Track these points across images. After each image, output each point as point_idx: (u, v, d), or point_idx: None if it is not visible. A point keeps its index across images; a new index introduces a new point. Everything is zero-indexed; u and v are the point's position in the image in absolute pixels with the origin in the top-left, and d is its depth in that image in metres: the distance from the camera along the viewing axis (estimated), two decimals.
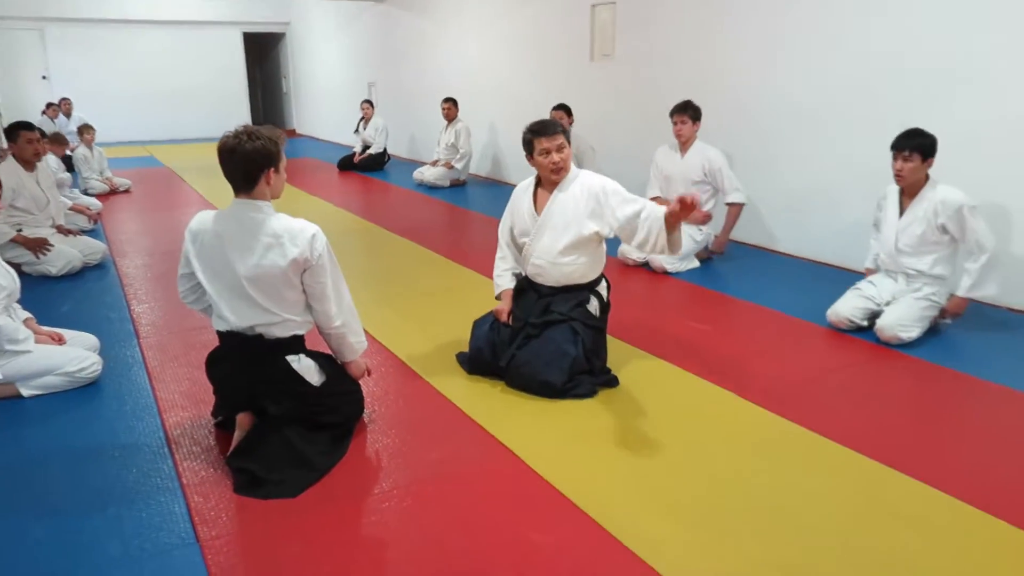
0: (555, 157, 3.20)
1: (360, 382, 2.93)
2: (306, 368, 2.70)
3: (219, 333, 2.71)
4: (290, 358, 2.67)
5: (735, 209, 5.19)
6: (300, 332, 2.72)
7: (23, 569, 2.09)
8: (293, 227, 2.56)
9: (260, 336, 2.62)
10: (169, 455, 2.70)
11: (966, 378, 3.34)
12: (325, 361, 2.82)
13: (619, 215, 3.16)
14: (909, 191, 3.83)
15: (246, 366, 2.66)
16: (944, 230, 3.73)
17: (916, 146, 3.67)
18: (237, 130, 2.52)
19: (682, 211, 2.90)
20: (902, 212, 3.85)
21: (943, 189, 3.73)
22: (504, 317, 3.36)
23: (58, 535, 2.24)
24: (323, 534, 2.23)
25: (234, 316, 2.59)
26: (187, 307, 2.86)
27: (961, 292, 3.78)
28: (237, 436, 2.66)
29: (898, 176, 3.75)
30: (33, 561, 2.13)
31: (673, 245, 3.08)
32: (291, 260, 2.52)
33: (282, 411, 2.63)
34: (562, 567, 2.08)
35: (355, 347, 2.83)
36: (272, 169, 2.54)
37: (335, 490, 2.47)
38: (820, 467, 2.61)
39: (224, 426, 2.86)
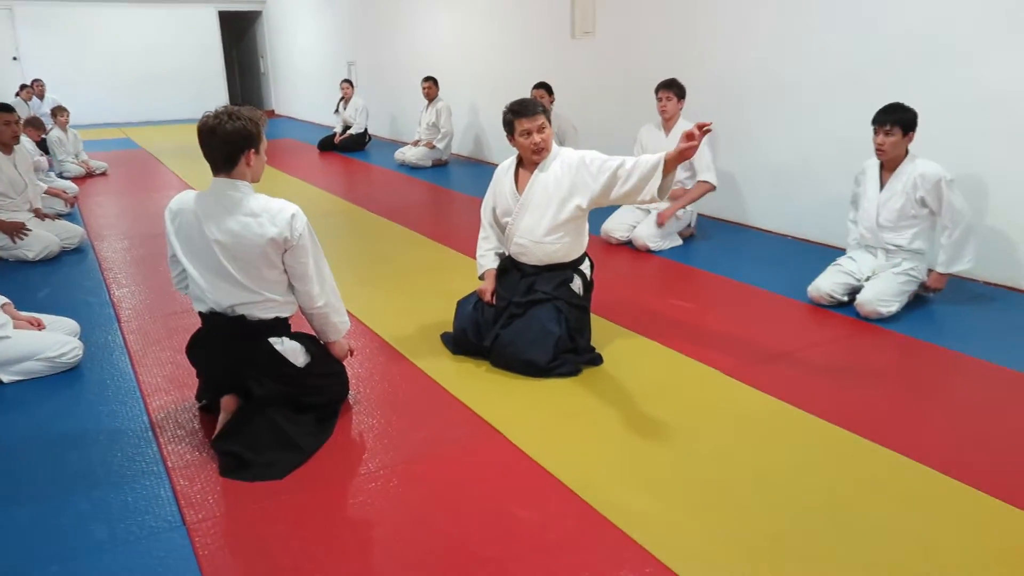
0: (536, 138, 3.19)
1: (344, 363, 2.93)
2: (290, 350, 2.69)
3: (201, 315, 2.69)
4: (273, 340, 2.66)
5: (704, 187, 5.14)
6: (283, 314, 2.70)
7: (8, 554, 2.08)
8: (272, 207, 2.54)
9: (242, 317, 2.60)
10: (153, 439, 2.69)
11: (945, 352, 3.39)
12: (309, 343, 2.81)
13: (598, 175, 3.12)
14: (889, 165, 3.86)
15: (228, 348, 2.64)
16: (923, 203, 3.77)
17: (897, 120, 3.70)
18: (218, 110, 2.49)
19: (697, 139, 2.81)
20: (882, 187, 3.89)
21: (922, 163, 3.76)
22: (487, 297, 3.36)
23: (43, 520, 2.23)
24: (310, 515, 2.24)
25: (214, 295, 2.58)
26: (180, 293, 2.83)
27: (941, 268, 3.83)
28: (222, 419, 2.66)
29: (879, 150, 3.78)
30: (18, 546, 2.12)
31: (664, 190, 3.00)
32: (269, 239, 2.50)
33: (266, 392, 2.63)
34: (547, 542, 2.10)
35: (338, 327, 2.83)
36: (252, 150, 2.52)
37: (321, 471, 2.48)
38: (802, 441, 2.64)
39: (208, 409, 2.85)
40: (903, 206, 3.81)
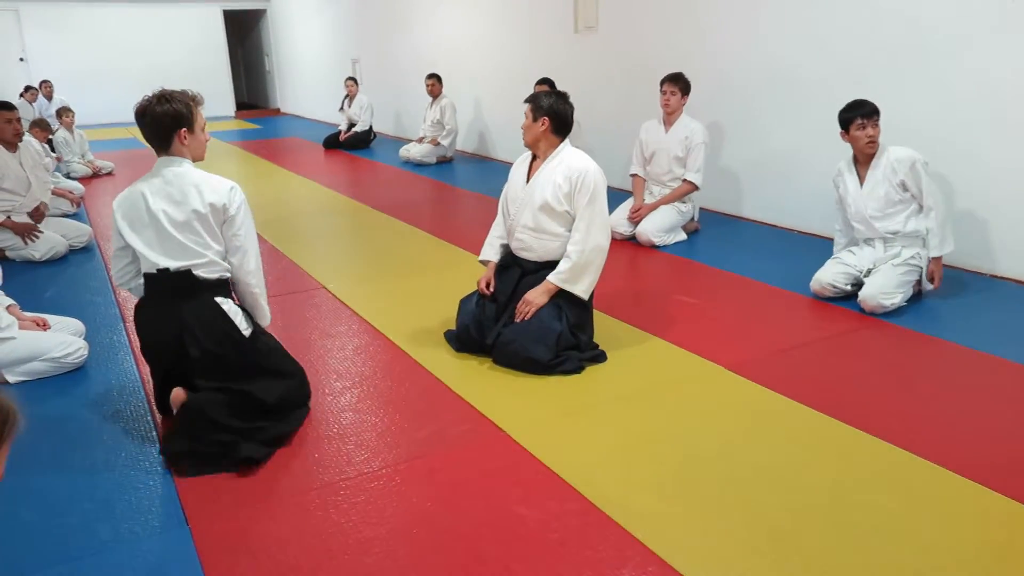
0: (523, 122, 3.26)
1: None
2: (233, 311, 2.74)
3: (147, 277, 2.71)
4: (219, 299, 2.72)
5: (687, 187, 5.17)
6: (226, 275, 2.77)
7: (13, 554, 2.10)
8: (212, 179, 2.69)
9: (188, 272, 2.66)
10: (157, 439, 2.70)
11: (949, 345, 3.37)
12: (257, 327, 2.85)
13: (576, 209, 3.18)
14: (864, 160, 3.92)
15: (174, 306, 2.66)
16: (904, 187, 3.83)
17: (876, 111, 3.80)
18: (152, 93, 2.65)
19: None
20: (862, 182, 3.93)
21: (894, 149, 3.85)
22: (482, 285, 3.36)
23: (48, 519, 2.25)
24: (312, 514, 2.25)
25: (162, 258, 2.64)
26: (125, 290, 2.89)
27: (933, 252, 3.84)
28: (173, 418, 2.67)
29: (871, 143, 3.82)
30: (24, 545, 2.13)
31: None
32: (210, 204, 2.63)
33: (208, 365, 2.62)
34: (550, 540, 2.10)
35: (265, 311, 2.90)
36: (184, 129, 2.65)
37: (323, 470, 2.48)
38: (805, 437, 2.63)
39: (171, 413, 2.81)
40: (887, 192, 3.85)
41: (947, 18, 4.29)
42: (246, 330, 2.76)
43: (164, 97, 2.63)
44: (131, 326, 3.75)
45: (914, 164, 3.77)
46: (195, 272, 2.66)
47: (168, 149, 2.68)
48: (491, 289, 3.37)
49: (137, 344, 3.53)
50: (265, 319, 2.92)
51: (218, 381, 2.62)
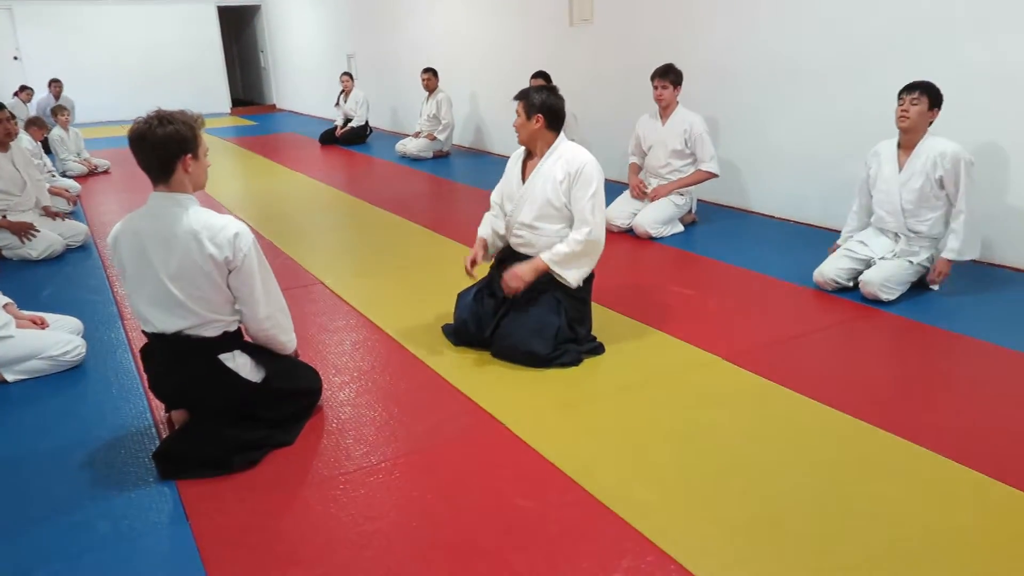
0: (515, 120, 3.23)
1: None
2: (242, 365, 2.56)
3: (145, 333, 2.58)
4: (223, 356, 2.53)
5: (703, 175, 5.15)
6: (231, 329, 2.57)
7: (14, 551, 2.10)
8: (214, 224, 2.40)
9: (187, 337, 2.47)
10: (157, 436, 2.70)
11: (949, 335, 3.38)
12: (266, 357, 2.66)
13: (576, 203, 3.17)
14: (907, 143, 3.76)
15: (174, 365, 2.52)
16: (940, 184, 3.69)
17: (926, 88, 3.63)
18: (149, 114, 2.36)
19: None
20: (900, 168, 3.78)
21: (942, 141, 3.68)
22: (467, 262, 3.36)
23: (47, 517, 2.25)
24: (311, 509, 2.25)
25: (159, 324, 2.46)
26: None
27: (951, 255, 3.72)
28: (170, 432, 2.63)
29: (902, 116, 3.66)
30: (24, 543, 2.13)
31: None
32: (211, 259, 2.38)
33: (215, 411, 2.54)
34: (549, 532, 2.10)
35: (286, 346, 2.71)
36: (189, 156, 2.39)
37: (322, 465, 2.49)
38: (804, 427, 2.64)
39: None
40: (922, 186, 3.70)
41: (951, 7, 4.26)
42: (256, 378, 2.59)
43: (164, 118, 2.34)
44: (129, 324, 3.77)
45: (959, 162, 3.61)
46: (192, 335, 2.47)
47: (168, 180, 2.40)
48: (474, 268, 3.36)
49: (135, 341, 3.54)
50: (286, 350, 2.72)
51: (227, 416, 2.56)
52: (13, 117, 5.14)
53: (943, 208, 3.75)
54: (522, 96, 3.19)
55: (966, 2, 4.18)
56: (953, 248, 3.72)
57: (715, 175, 5.16)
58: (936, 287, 3.85)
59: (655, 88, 5.11)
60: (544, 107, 3.17)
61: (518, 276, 3.18)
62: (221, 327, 2.53)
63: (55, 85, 11.30)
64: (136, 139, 2.35)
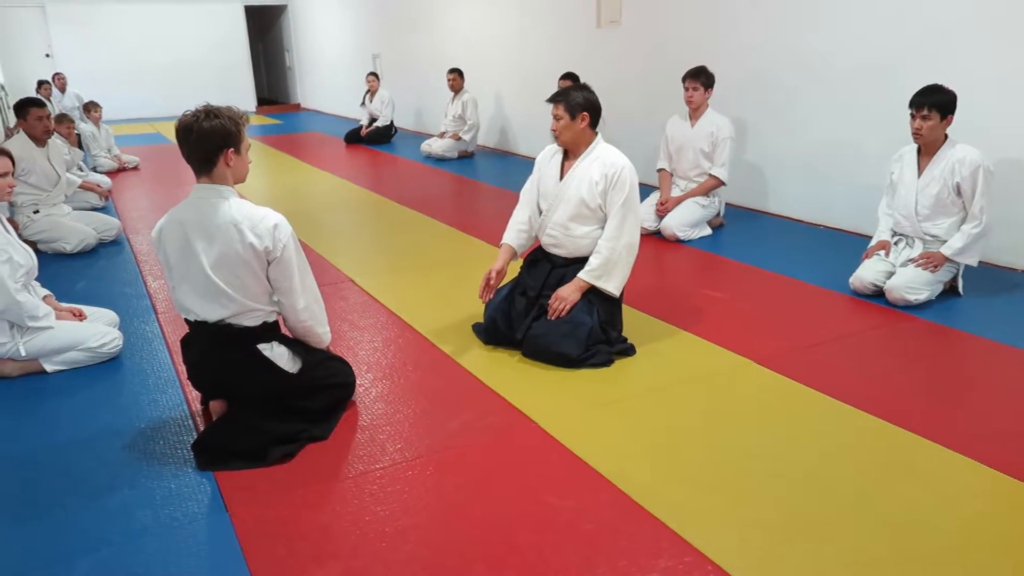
0: (553, 124, 3.21)
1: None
2: (279, 355, 2.64)
3: (187, 321, 2.66)
4: (262, 346, 2.61)
5: (713, 182, 5.15)
6: (270, 319, 2.66)
7: (56, 539, 2.14)
8: (254, 215, 2.48)
9: (228, 325, 2.56)
10: (194, 428, 2.74)
11: (980, 340, 3.35)
12: (301, 348, 2.74)
13: (611, 206, 3.18)
14: (927, 150, 3.77)
15: (214, 353, 2.60)
16: (958, 191, 3.69)
17: (934, 103, 3.61)
18: (197, 108, 2.45)
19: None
20: (920, 173, 3.79)
21: (962, 148, 3.67)
22: (491, 275, 3.34)
23: (89, 505, 2.29)
24: (348, 503, 2.27)
25: (202, 312, 2.54)
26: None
27: (948, 252, 3.71)
28: (207, 423, 2.67)
29: (916, 135, 3.69)
30: (65, 530, 2.17)
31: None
32: (252, 249, 2.45)
33: (253, 399, 2.59)
34: (583, 530, 2.11)
35: (322, 338, 2.78)
36: (231, 150, 2.47)
37: (357, 460, 2.51)
38: (836, 431, 2.63)
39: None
40: (938, 192, 3.72)
41: (984, 11, 4.22)
42: (293, 368, 2.66)
43: (211, 112, 2.42)
44: (163, 318, 3.82)
45: (977, 169, 3.59)
46: (234, 324, 2.55)
47: (210, 172, 2.48)
48: (494, 282, 3.34)
49: (170, 335, 3.58)
50: (322, 343, 2.80)
51: (264, 407, 2.62)
52: (51, 115, 5.25)
53: (960, 215, 3.75)
54: (560, 97, 3.19)
55: (999, 7, 4.14)
56: (954, 247, 3.71)
57: (722, 182, 5.15)
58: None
59: (686, 89, 5.10)
60: (588, 104, 3.17)
61: (565, 299, 3.20)
62: (261, 317, 2.61)
63: (59, 78, 11.53)
64: (183, 131, 2.44)
